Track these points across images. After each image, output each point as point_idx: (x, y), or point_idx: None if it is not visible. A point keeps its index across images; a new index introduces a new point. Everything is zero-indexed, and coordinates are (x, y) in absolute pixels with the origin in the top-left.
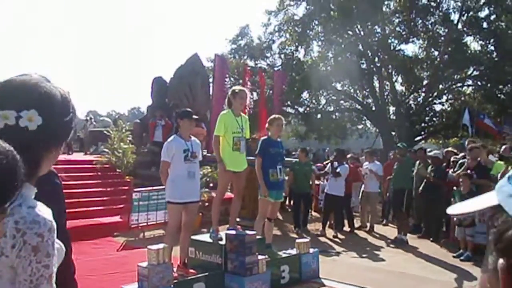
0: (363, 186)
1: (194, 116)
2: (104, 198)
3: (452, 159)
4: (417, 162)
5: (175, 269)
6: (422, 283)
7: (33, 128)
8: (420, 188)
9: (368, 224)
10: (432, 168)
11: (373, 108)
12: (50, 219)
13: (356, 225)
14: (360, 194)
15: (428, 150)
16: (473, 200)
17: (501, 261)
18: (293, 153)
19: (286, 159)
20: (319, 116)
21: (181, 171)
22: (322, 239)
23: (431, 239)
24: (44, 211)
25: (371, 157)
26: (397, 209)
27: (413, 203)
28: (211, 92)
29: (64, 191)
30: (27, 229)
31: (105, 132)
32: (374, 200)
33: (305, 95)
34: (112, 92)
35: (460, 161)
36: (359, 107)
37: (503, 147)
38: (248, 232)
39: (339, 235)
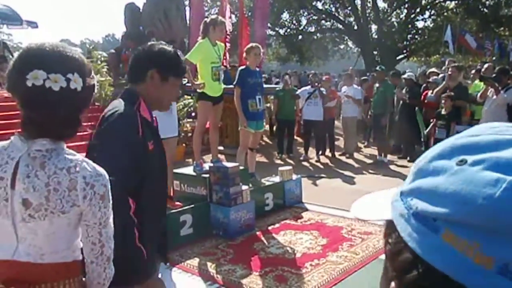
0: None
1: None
2: (84, 133)
3: (430, 80)
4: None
5: None
6: None
7: (79, 89)
8: (397, 109)
9: (350, 149)
10: (406, 89)
11: (355, 27)
12: (105, 172)
13: (340, 152)
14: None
15: (408, 70)
16: (374, 203)
17: (393, 284)
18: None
19: (270, 86)
20: (300, 37)
21: None
22: (306, 163)
23: (408, 159)
24: (96, 164)
25: (349, 80)
26: (377, 132)
27: (393, 125)
28: (187, 17)
29: None
30: (95, 181)
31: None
32: (352, 125)
33: (285, 16)
34: (84, 18)
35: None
36: (340, 26)
37: (486, 65)
38: (230, 163)
39: (322, 160)
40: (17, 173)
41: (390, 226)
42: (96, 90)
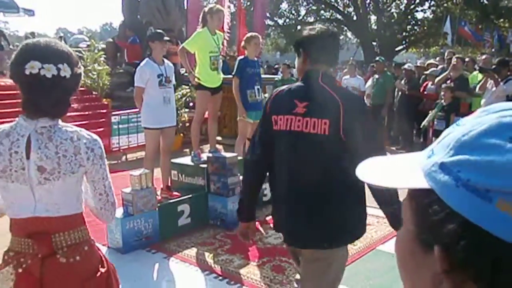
0: None
1: (166, 38)
2: (82, 122)
3: (428, 72)
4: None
5: (159, 193)
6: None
7: (68, 76)
8: (396, 100)
9: None
10: (405, 81)
11: (354, 18)
12: (97, 137)
13: None
14: None
15: (408, 61)
16: (392, 168)
17: (436, 250)
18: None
19: (269, 76)
20: (299, 27)
21: (157, 97)
22: None
23: (406, 150)
24: (89, 132)
25: (352, 70)
26: (376, 122)
27: (393, 116)
28: (185, 6)
29: None
30: (93, 145)
31: (76, 53)
32: None
33: (284, 5)
34: (82, 7)
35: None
36: (339, 17)
37: (483, 56)
38: (229, 154)
39: None
40: (30, 146)
41: (425, 195)
42: (82, 78)
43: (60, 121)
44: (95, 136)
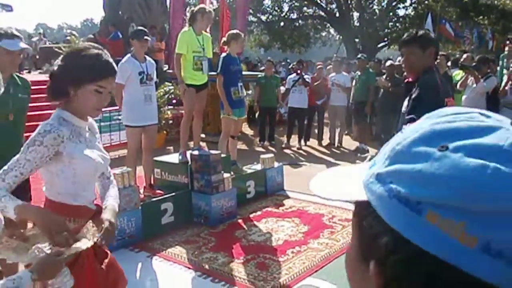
0: (330, 99)
1: (146, 37)
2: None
3: None
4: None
5: (142, 191)
6: None
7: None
8: (379, 97)
9: (337, 139)
10: (387, 78)
11: (337, 15)
12: None
13: (326, 143)
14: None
15: (391, 57)
16: (337, 181)
17: (372, 265)
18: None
19: (251, 73)
20: (282, 24)
21: (138, 95)
22: (287, 151)
23: None
24: None
25: (338, 67)
26: (359, 120)
27: (375, 114)
28: (167, 2)
29: None
30: (94, 124)
31: (56, 49)
32: (341, 115)
33: (267, 2)
34: (62, 2)
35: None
36: (322, 13)
37: (464, 55)
38: (212, 151)
39: (304, 147)
40: None
41: (364, 208)
42: None
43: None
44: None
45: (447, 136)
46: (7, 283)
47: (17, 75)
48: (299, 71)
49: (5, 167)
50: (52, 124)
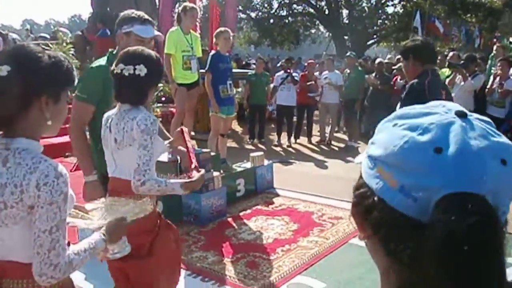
0: (321, 97)
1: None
2: None
3: (398, 66)
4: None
5: None
6: None
7: (143, 75)
8: (368, 95)
9: (327, 136)
10: (376, 75)
11: (326, 12)
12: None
13: (316, 140)
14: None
15: (380, 54)
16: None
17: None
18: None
19: (241, 70)
20: (271, 21)
21: None
22: (277, 149)
23: None
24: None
25: (331, 65)
26: (348, 117)
27: (365, 110)
28: None
29: None
30: (143, 124)
31: (43, 47)
32: (334, 111)
33: None
34: None
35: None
36: (312, 10)
37: (451, 53)
38: (202, 150)
39: (294, 145)
40: (111, 124)
41: (360, 192)
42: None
43: (137, 107)
44: (144, 116)
45: (401, 117)
46: (88, 243)
47: None
48: (288, 70)
49: (140, 161)
50: (150, 115)
